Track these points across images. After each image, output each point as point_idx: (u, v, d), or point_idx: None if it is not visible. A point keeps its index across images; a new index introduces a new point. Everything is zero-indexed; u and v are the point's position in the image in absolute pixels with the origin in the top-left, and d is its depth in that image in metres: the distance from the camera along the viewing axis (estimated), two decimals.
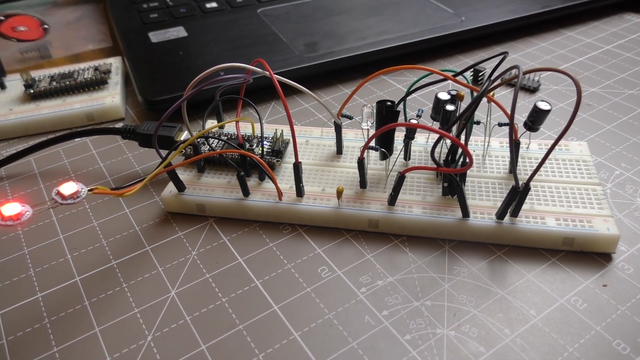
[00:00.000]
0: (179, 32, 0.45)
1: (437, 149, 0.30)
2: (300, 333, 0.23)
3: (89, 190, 0.23)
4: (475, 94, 0.28)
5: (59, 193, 0.21)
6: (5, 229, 0.20)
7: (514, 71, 0.24)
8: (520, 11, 0.47)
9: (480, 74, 0.40)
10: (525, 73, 0.24)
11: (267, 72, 0.27)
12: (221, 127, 0.33)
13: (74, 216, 0.30)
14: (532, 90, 0.39)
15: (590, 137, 0.34)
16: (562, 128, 0.23)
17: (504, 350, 0.22)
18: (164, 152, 0.28)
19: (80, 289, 0.26)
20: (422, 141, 0.32)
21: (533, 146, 0.31)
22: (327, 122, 0.36)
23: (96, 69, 0.40)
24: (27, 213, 0.20)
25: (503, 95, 0.39)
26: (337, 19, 0.46)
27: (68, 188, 0.21)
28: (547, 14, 0.47)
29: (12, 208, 0.20)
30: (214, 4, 0.49)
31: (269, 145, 0.31)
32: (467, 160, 0.27)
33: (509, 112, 0.26)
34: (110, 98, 0.38)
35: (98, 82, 0.39)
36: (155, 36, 0.44)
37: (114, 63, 0.42)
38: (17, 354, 0.23)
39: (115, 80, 0.40)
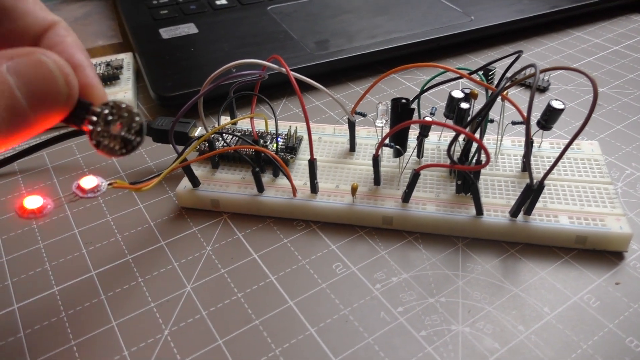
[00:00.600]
0: (190, 28, 0.45)
1: (445, 146, 0.31)
2: (316, 328, 0.24)
3: (108, 184, 0.23)
4: (489, 92, 0.28)
5: (79, 187, 0.22)
6: (27, 220, 0.20)
7: (529, 70, 0.25)
8: (529, 11, 0.47)
9: (490, 73, 0.40)
10: (543, 71, 0.25)
11: (284, 69, 0.27)
12: (234, 123, 0.33)
13: (88, 211, 0.30)
14: (542, 89, 0.40)
15: (600, 137, 0.35)
16: (573, 127, 0.24)
17: (518, 347, 0.23)
18: (179, 148, 0.29)
19: (97, 283, 0.26)
20: (435, 139, 0.32)
21: (545, 145, 0.31)
22: (340, 120, 0.36)
23: (108, 64, 0.40)
24: (49, 206, 0.20)
25: (514, 94, 0.39)
26: (346, 17, 0.46)
27: (88, 182, 0.22)
28: (556, 14, 0.48)
29: (34, 201, 0.20)
30: (223, 1, 0.50)
31: (283, 142, 0.31)
32: (483, 158, 0.27)
33: (522, 110, 0.26)
34: (123, 94, 0.38)
35: (110, 78, 0.39)
36: (166, 32, 0.45)
37: (126, 59, 0.42)
38: (34, 347, 0.23)
39: (127, 76, 0.40)
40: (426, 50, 0.44)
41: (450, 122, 0.29)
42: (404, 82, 0.41)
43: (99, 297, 0.25)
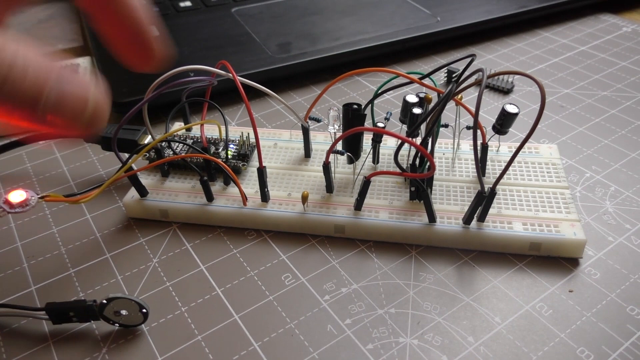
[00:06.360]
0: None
1: (405, 152, 0.30)
2: (260, 343, 0.23)
3: (39, 198, 0.22)
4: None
5: (6, 201, 0.21)
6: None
7: (478, 74, 0.24)
8: (497, 12, 0.46)
9: (454, 76, 0.40)
10: (490, 76, 0.24)
11: (231, 75, 0.26)
12: (188, 129, 0.33)
13: (32, 222, 0.29)
14: (505, 91, 0.39)
15: (562, 139, 0.34)
16: (536, 130, 0.23)
17: (467, 359, 0.22)
18: (126, 156, 0.28)
19: (36, 299, 0.25)
20: (392, 144, 0.32)
21: (503, 149, 0.31)
22: (297, 124, 0.35)
23: None
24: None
25: (473, 97, 0.39)
26: (312, 19, 0.46)
27: (16, 196, 0.21)
28: (524, 14, 0.47)
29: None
30: (187, 3, 0.49)
31: (236, 149, 0.30)
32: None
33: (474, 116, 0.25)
34: None
35: None
36: None
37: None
38: None
39: None
40: (392, 52, 0.43)
41: (404, 128, 0.29)
42: (367, 85, 0.41)
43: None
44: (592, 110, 0.37)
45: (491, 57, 0.44)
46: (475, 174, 0.29)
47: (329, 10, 0.47)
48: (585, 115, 0.36)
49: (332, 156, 0.27)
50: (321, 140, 0.32)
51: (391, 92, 0.39)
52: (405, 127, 0.29)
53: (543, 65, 0.43)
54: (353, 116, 0.27)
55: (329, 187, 0.28)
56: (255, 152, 0.31)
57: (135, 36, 0.21)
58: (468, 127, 0.29)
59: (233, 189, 0.29)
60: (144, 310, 0.22)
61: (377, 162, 0.30)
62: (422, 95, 0.28)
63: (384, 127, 0.28)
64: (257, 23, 0.45)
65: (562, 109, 0.37)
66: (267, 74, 0.38)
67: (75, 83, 0.18)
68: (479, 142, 0.28)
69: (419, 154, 0.27)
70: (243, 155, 0.30)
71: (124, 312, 0.22)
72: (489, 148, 0.29)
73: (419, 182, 0.26)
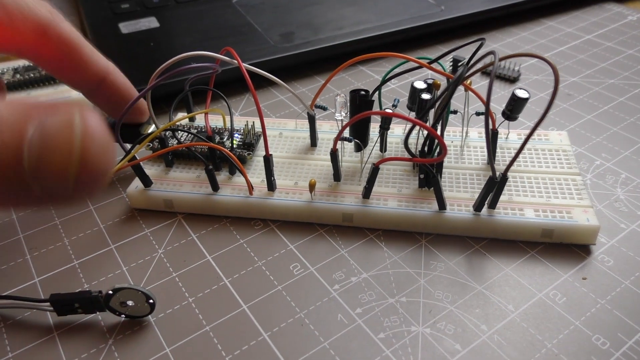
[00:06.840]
0: (151, 22, 0.43)
1: (413, 140, 0.30)
2: (269, 333, 0.22)
3: None
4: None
5: None
6: None
7: (489, 57, 0.24)
8: (501, 0, 0.46)
9: (459, 64, 0.39)
10: (502, 59, 0.23)
11: (236, 61, 0.26)
12: (191, 119, 0.32)
13: (34, 214, 0.29)
14: (512, 80, 0.39)
15: (570, 127, 0.34)
16: (545, 118, 0.22)
17: (480, 347, 0.22)
18: (129, 146, 0.27)
19: (39, 291, 0.25)
20: (399, 132, 0.31)
21: (512, 136, 0.30)
22: (302, 114, 0.35)
23: None
24: None
25: (482, 85, 0.38)
26: (314, 8, 0.45)
27: None
28: (528, 3, 0.47)
29: None
30: None
31: (240, 138, 0.30)
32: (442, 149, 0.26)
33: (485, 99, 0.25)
34: (76, 92, 0.36)
35: None
36: (125, 27, 0.43)
37: None
38: None
39: None
40: (395, 41, 0.43)
41: (413, 115, 0.28)
42: (371, 75, 0.40)
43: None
44: (600, 98, 0.36)
45: (496, 46, 0.43)
46: (485, 161, 0.29)
47: (331, 0, 0.46)
48: (593, 103, 0.36)
49: (339, 144, 0.26)
50: (327, 129, 0.32)
51: (397, 81, 0.39)
52: (413, 114, 0.28)
53: (549, 53, 0.42)
54: (361, 102, 0.26)
55: (337, 175, 0.28)
56: (261, 141, 0.31)
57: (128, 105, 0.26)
58: (477, 113, 0.28)
59: (239, 179, 0.28)
60: (151, 301, 0.22)
61: (385, 150, 0.30)
62: (430, 81, 0.27)
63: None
64: (258, 13, 0.45)
65: (570, 97, 0.37)
66: (269, 64, 0.38)
67: (60, 112, 0.14)
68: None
69: (428, 141, 0.27)
70: (248, 144, 0.30)
71: (130, 303, 0.22)
72: (498, 135, 0.29)
73: (429, 168, 0.25)
